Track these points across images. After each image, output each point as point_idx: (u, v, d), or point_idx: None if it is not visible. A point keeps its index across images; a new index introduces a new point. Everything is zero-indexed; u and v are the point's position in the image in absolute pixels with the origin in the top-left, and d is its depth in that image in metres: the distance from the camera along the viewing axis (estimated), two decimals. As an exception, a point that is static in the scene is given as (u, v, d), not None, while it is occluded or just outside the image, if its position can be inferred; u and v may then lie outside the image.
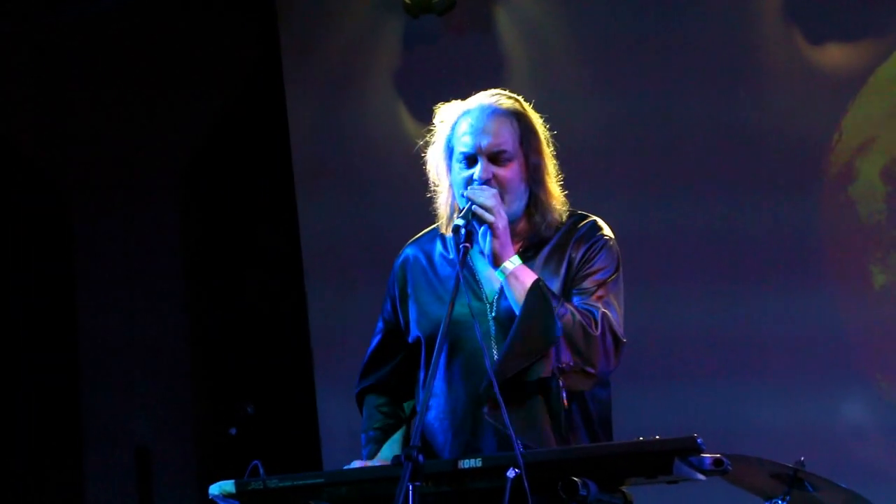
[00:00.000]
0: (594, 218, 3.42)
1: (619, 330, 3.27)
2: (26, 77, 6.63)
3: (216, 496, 3.22)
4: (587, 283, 3.29)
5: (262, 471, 3.15)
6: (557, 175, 3.39)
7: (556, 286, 3.28)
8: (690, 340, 5.45)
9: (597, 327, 3.21)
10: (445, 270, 3.38)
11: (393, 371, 3.50)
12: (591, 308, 3.25)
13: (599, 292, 3.28)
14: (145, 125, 6.75)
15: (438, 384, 3.30)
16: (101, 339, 6.70)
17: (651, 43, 5.95)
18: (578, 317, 3.20)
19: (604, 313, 3.23)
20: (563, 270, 3.32)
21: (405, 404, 3.53)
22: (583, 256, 3.32)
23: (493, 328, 3.29)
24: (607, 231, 3.40)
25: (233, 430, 6.44)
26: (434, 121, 3.41)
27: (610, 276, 3.31)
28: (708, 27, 5.92)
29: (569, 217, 3.40)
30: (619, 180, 5.89)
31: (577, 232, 3.36)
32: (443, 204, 3.40)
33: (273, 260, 6.77)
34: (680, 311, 5.53)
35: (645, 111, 5.90)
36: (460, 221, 3.22)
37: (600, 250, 3.33)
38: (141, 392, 6.62)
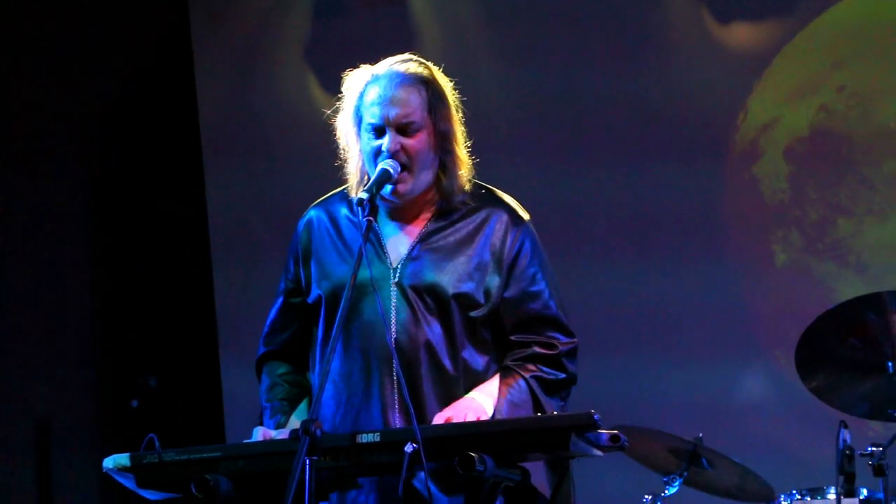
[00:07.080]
0: (508, 201, 3.39)
1: (566, 321, 3.32)
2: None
3: (110, 470, 3.15)
4: (536, 307, 3.30)
5: (157, 444, 3.10)
6: (465, 142, 3.38)
7: (473, 263, 3.28)
8: (592, 313, 5.48)
9: (564, 370, 3.29)
10: (351, 233, 3.36)
11: (294, 335, 3.45)
12: (550, 344, 3.29)
13: (548, 310, 3.31)
14: (50, 94, 6.60)
15: (336, 348, 3.27)
16: (0, 310, 6.58)
17: (561, 17, 5.96)
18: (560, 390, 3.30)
19: (561, 352, 3.28)
20: (487, 256, 3.29)
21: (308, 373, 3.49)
22: (513, 256, 3.31)
23: (393, 293, 3.28)
24: (526, 216, 3.38)
25: (135, 403, 6.37)
26: (342, 87, 3.38)
27: (547, 280, 3.33)
28: (618, 3, 5.94)
29: (475, 188, 3.38)
30: (527, 151, 5.90)
31: (494, 217, 3.33)
32: (353, 169, 3.37)
33: (179, 231, 6.69)
34: (582, 284, 5.55)
35: (554, 84, 5.93)
36: (364, 195, 3.20)
37: (529, 253, 3.33)
38: (41, 364, 6.50)
